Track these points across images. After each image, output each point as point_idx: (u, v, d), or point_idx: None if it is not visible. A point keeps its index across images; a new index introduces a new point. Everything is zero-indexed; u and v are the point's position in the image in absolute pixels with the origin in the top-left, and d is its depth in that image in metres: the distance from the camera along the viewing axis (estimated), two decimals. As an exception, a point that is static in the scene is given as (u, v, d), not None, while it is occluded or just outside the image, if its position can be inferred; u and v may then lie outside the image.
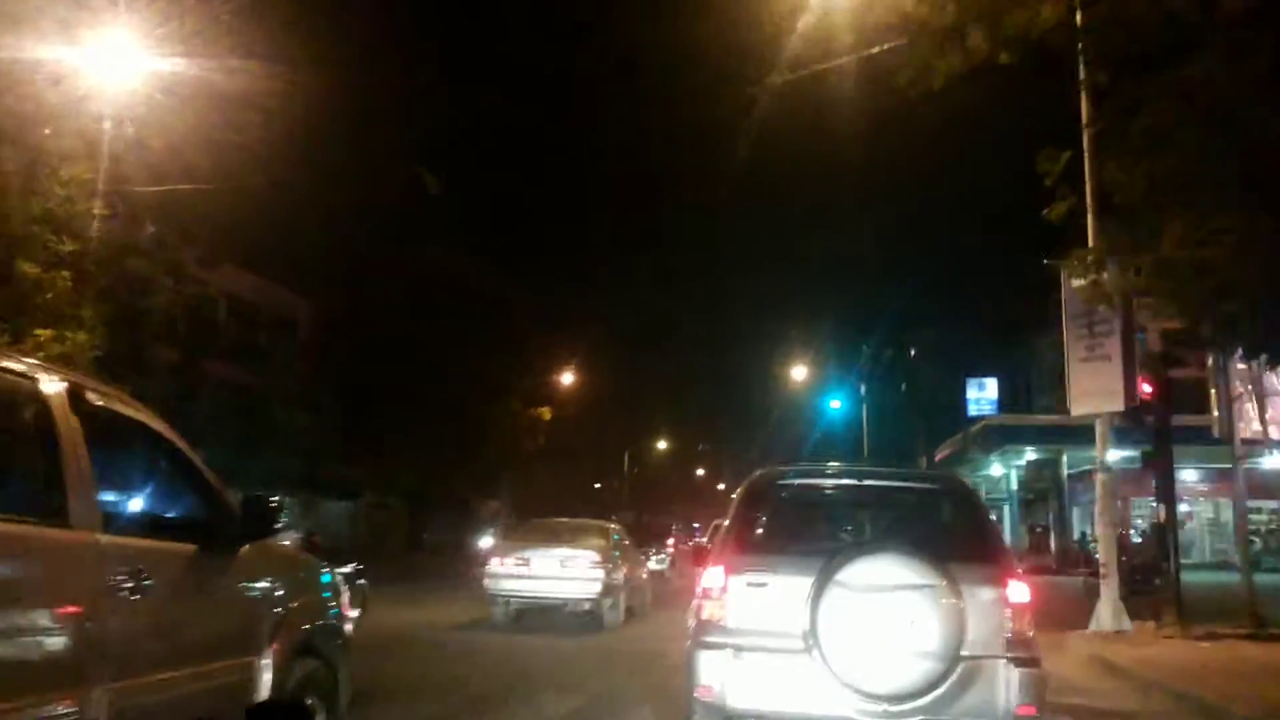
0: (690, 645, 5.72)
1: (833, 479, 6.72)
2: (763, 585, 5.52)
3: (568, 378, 45.15)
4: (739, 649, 5.43)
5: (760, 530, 6.04)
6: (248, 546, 4.45)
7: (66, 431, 3.42)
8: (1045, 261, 13.45)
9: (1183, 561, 15.00)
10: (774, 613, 5.39)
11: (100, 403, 3.76)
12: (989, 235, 48.57)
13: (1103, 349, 13.44)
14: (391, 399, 36.76)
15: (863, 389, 47.10)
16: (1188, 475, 31.91)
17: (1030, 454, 32.58)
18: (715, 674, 5.43)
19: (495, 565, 14.60)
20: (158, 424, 4.20)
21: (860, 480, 6.52)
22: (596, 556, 14.34)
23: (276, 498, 4.72)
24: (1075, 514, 33.65)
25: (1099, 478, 14.83)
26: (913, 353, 65.81)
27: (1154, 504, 18.32)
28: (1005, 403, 43.05)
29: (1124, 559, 20.48)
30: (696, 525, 49.32)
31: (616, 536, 16.33)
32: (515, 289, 45.76)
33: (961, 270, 62.20)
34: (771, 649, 5.38)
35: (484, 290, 41.11)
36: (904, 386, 62.18)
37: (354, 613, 7.95)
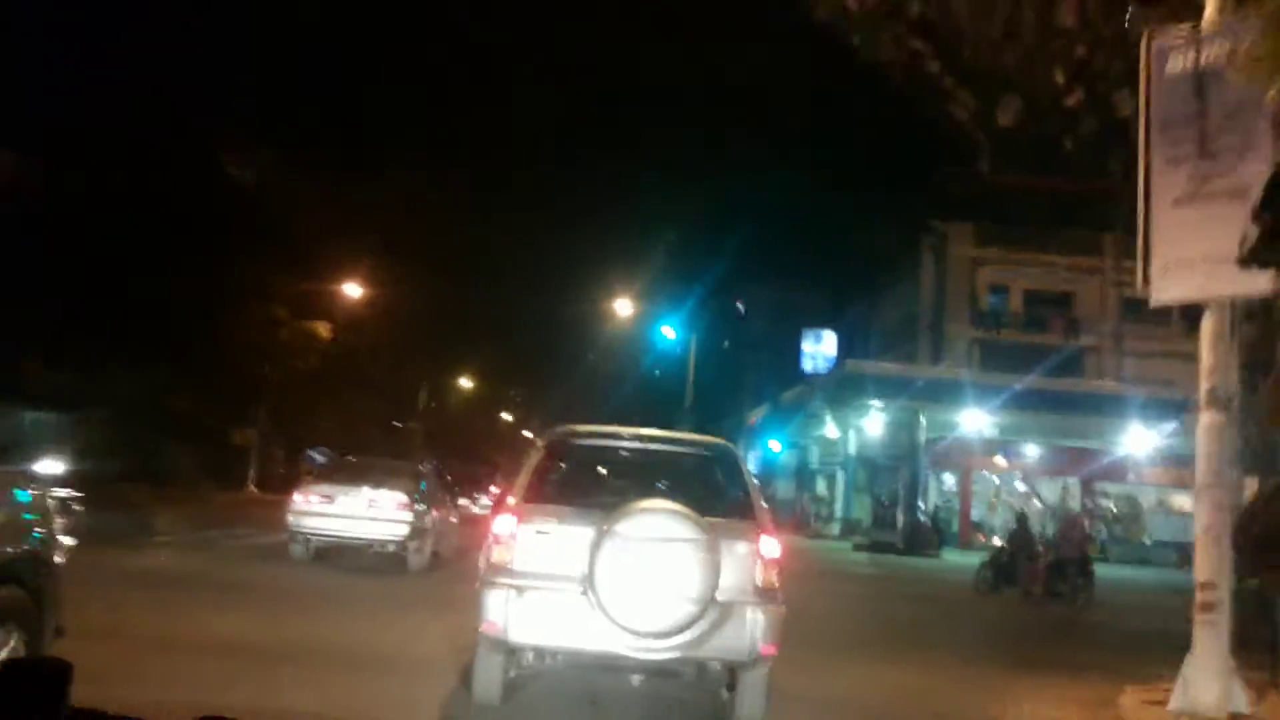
0: (479, 585, 6.00)
1: (616, 440, 7.08)
2: (547, 533, 5.93)
3: (353, 290, 37.74)
4: (522, 589, 5.80)
5: (549, 483, 6.43)
6: None
7: None
8: (1129, 13, 6.95)
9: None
10: (556, 558, 5.83)
11: None
12: (833, 184, 44.30)
13: (1228, 179, 6.16)
14: (110, 293, 29.02)
15: (691, 340, 42.11)
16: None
17: (877, 414, 28.07)
18: (499, 611, 5.79)
19: (299, 501, 14.04)
20: None
21: (641, 443, 6.99)
22: (404, 498, 13.87)
23: None
24: (933, 486, 29.73)
25: (1207, 419, 6.84)
26: (741, 308, 61.93)
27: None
28: (841, 359, 38.92)
29: (1036, 554, 16.49)
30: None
31: (425, 480, 15.66)
32: (297, 179, 38.35)
33: (803, 221, 57.88)
34: (552, 590, 5.78)
35: (243, 172, 33.72)
36: (725, 343, 58.21)
37: (68, 540, 5.92)
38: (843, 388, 28.66)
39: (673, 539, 5.52)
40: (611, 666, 6.06)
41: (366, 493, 13.79)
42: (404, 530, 13.65)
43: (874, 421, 28.66)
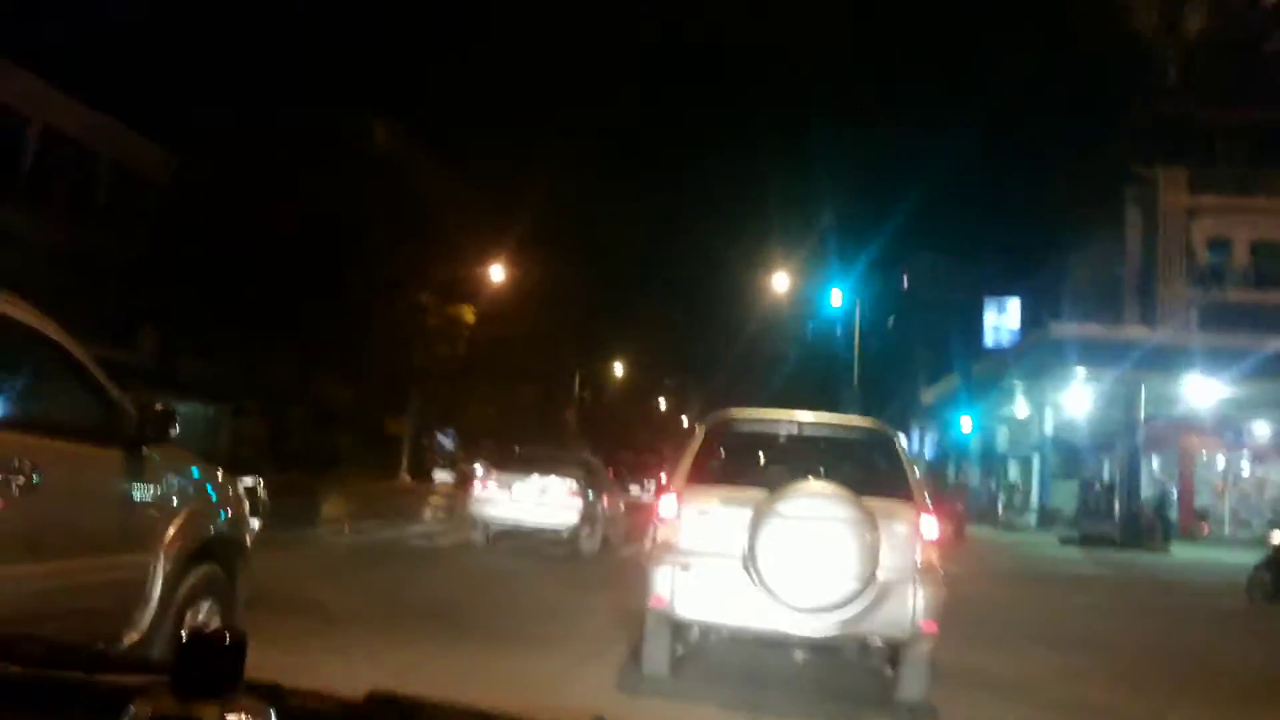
0: (647, 562, 6.27)
1: (773, 424, 7.32)
2: (708, 512, 6.11)
3: (499, 274, 36.22)
4: (687, 565, 5.96)
5: (710, 465, 6.58)
6: (144, 450, 4.43)
7: None
8: None
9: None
10: (718, 536, 5.97)
11: None
12: (1008, 137, 39.96)
13: None
14: (262, 281, 28.32)
15: (855, 314, 39.04)
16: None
17: (1083, 387, 24.20)
18: (665, 586, 5.96)
19: (478, 491, 14.91)
20: (52, 329, 4.10)
21: (798, 426, 7.15)
22: (575, 486, 14.41)
23: (173, 407, 4.79)
24: (1144, 469, 25.19)
25: None
26: (906, 281, 57.92)
27: None
28: (1028, 330, 34.96)
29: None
30: None
31: (593, 469, 16.26)
32: (442, 165, 37.30)
33: (975, 179, 53.25)
34: (714, 564, 5.93)
35: (389, 157, 32.67)
36: (890, 319, 54.40)
37: (255, 522, 6.75)
38: (1041, 357, 24.87)
39: (831, 518, 5.60)
40: (775, 643, 6.33)
41: (539, 481, 14.40)
42: (575, 517, 14.21)
43: (1077, 396, 24.87)
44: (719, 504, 6.08)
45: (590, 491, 14.67)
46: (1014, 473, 33.76)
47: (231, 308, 29.69)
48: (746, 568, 5.67)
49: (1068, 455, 28.64)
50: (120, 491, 4.33)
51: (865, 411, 35.24)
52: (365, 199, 30.36)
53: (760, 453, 7.17)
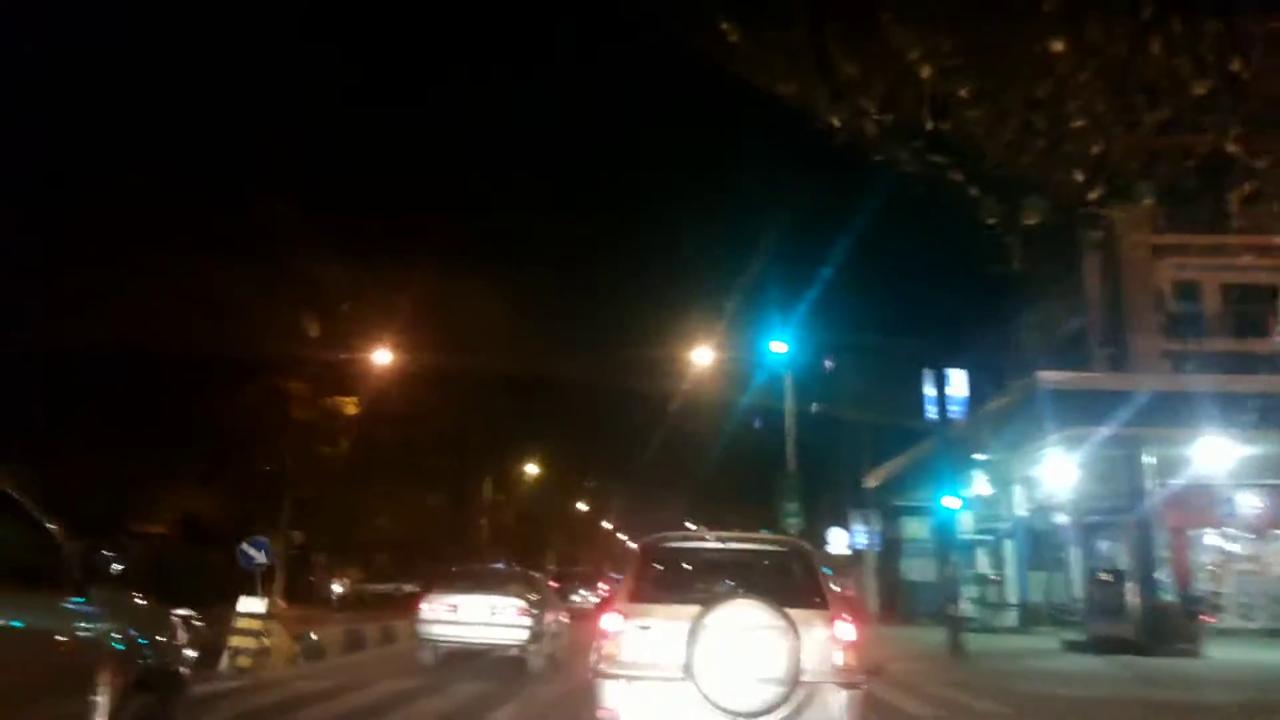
0: (593, 676, 6.95)
1: (702, 543, 8.26)
2: (649, 628, 6.73)
3: (384, 359, 31.33)
4: (631, 679, 6.66)
5: (647, 583, 7.24)
6: (85, 591, 4.68)
7: None
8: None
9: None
10: (658, 649, 6.59)
11: None
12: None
13: None
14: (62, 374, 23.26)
15: (786, 389, 35.20)
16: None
17: (1069, 449, 19.92)
18: (613, 698, 6.70)
19: (426, 610, 14.61)
20: None
21: (724, 544, 7.86)
22: (523, 604, 14.41)
23: (110, 550, 4.96)
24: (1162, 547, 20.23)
25: None
26: (829, 364, 54.53)
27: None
28: (975, 401, 31.35)
29: None
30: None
31: (538, 586, 16.13)
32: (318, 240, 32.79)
33: (897, 249, 50.40)
34: (657, 678, 6.57)
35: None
36: (813, 407, 50.76)
37: (191, 654, 6.32)
38: (1018, 418, 20.92)
39: (757, 627, 6.25)
40: None
41: (487, 600, 14.32)
42: (525, 635, 14.13)
43: (1060, 464, 20.82)
44: (658, 620, 6.67)
45: (536, 609, 14.71)
46: (982, 562, 29.72)
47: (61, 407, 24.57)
48: (685, 677, 6.28)
49: (1044, 540, 24.81)
50: (62, 632, 4.50)
51: (806, 498, 31.19)
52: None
53: (691, 571, 7.69)
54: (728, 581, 7.13)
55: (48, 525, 4.58)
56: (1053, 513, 23.49)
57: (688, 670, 6.24)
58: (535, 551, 71.38)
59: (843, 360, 52.35)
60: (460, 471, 57.22)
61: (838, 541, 42.00)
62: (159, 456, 28.35)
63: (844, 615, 6.70)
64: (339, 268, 32.93)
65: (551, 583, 19.26)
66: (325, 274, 32.23)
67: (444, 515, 61.07)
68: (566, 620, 17.23)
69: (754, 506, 56.97)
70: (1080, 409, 18.07)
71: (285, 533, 30.17)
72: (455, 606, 14.51)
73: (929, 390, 31.97)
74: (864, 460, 32.77)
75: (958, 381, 31.94)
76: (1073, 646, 17.87)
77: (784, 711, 6.15)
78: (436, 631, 14.47)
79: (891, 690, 12.82)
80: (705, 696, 6.19)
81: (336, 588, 44.94)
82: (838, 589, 7.11)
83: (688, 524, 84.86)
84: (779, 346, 19.24)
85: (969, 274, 34.46)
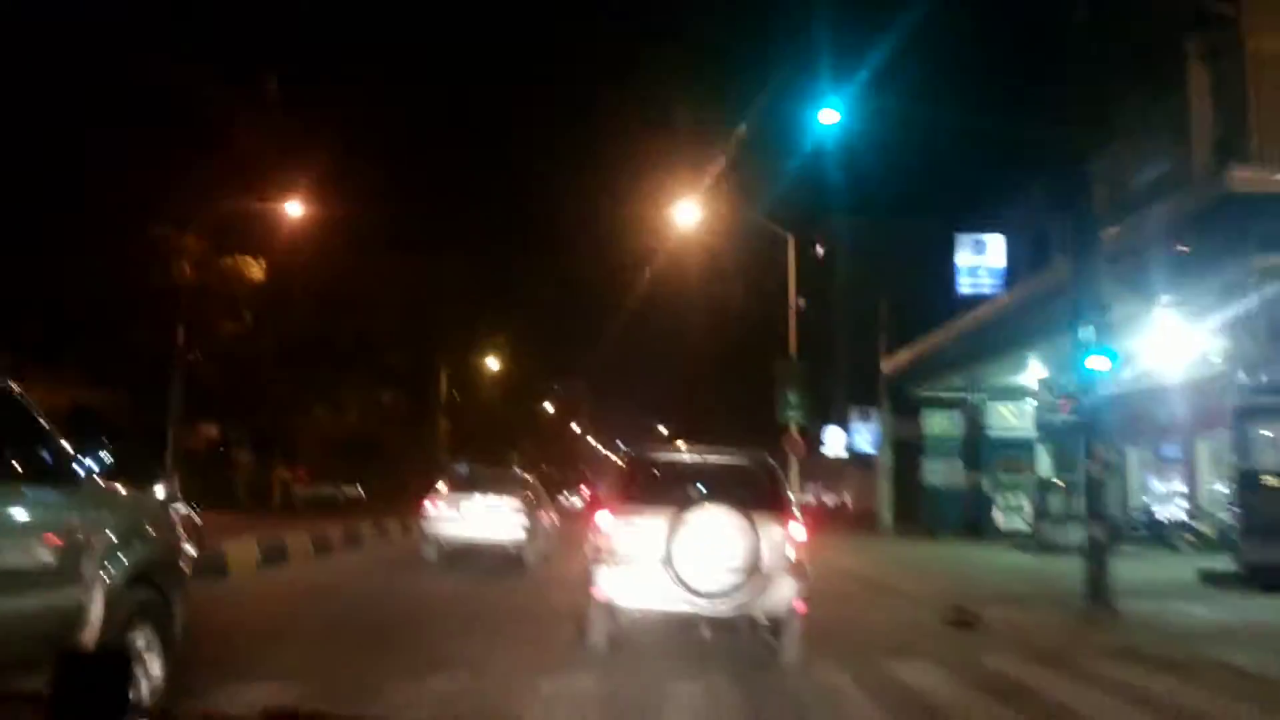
0: (589, 563, 8.01)
1: (679, 456, 9.51)
2: (636, 524, 7.74)
3: (294, 210, 24.95)
4: (621, 564, 7.71)
5: (633, 489, 8.34)
6: (78, 484, 4.60)
7: None
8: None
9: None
10: (642, 543, 7.56)
11: None
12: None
13: None
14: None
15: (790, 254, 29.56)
16: None
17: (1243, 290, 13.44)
18: (604, 581, 7.76)
19: (430, 510, 15.13)
20: None
21: (699, 457, 8.99)
22: (521, 504, 15.06)
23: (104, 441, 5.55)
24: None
25: None
26: (820, 250, 49.04)
27: None
28: (1018, 270, 25.67)
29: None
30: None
31: (532, 487, 16.63)
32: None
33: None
34: (640, 564, 7.57)
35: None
36: (802, 302, 45.43)
37: (191, 549, 6.85)
38: (1146, 253, 14.70)
39: (724, 526, 7.30)
40: (687, 623, 7.82)
41: (487, 500, 14.98)
42: (522, 533, 14.78)
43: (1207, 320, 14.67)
44: (642, 518, 7.69)
45: (532, 509, 15.27)
46: (1044, 465, 24.30)
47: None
48: (664, 566, 7.32)
49: (1143, 431, 19.50)
50: (55, 524, 4.44)
51: (812, 390, 25.76)
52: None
53: (671, 479, 8.69)
54: (701, 488, 8.25)
55: (42, 419, 4.51)
56: (1169, 390, 17.88)
57: (666, 560, 7.30)
58: (500, 454, 66.30)
59: (853, 232, 46.63)
60: (418, 366, 51.61)
61: (834, 442, 36.71)
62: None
63: (796, 518, 7.78)
64: (257, 113, 26.73)
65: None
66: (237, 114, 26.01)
67: (401, 413, 55.72)
68: (557, 520, 18.10)
69: (742, 409, 51.82)
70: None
71: (179, 423, 24.24)
72: (458, 506, 15.08)
73: (963, 258, 26.30)
74: (879, 346, 27.12)
75: (994, 249, 26.25)
76: (1216, 580, 12.48)
77: (745, 595, 7.26)
78: (440, 530, 15.03)
79: (1048, 676, 7.48)
80: (680, 580, 7.29)
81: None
82: (792, 497, 8.38)
83: (660, 427, 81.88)
84: (829, 116, 13.09)
85: (1012, 113, 28.42)
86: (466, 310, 52.64)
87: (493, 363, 56.38)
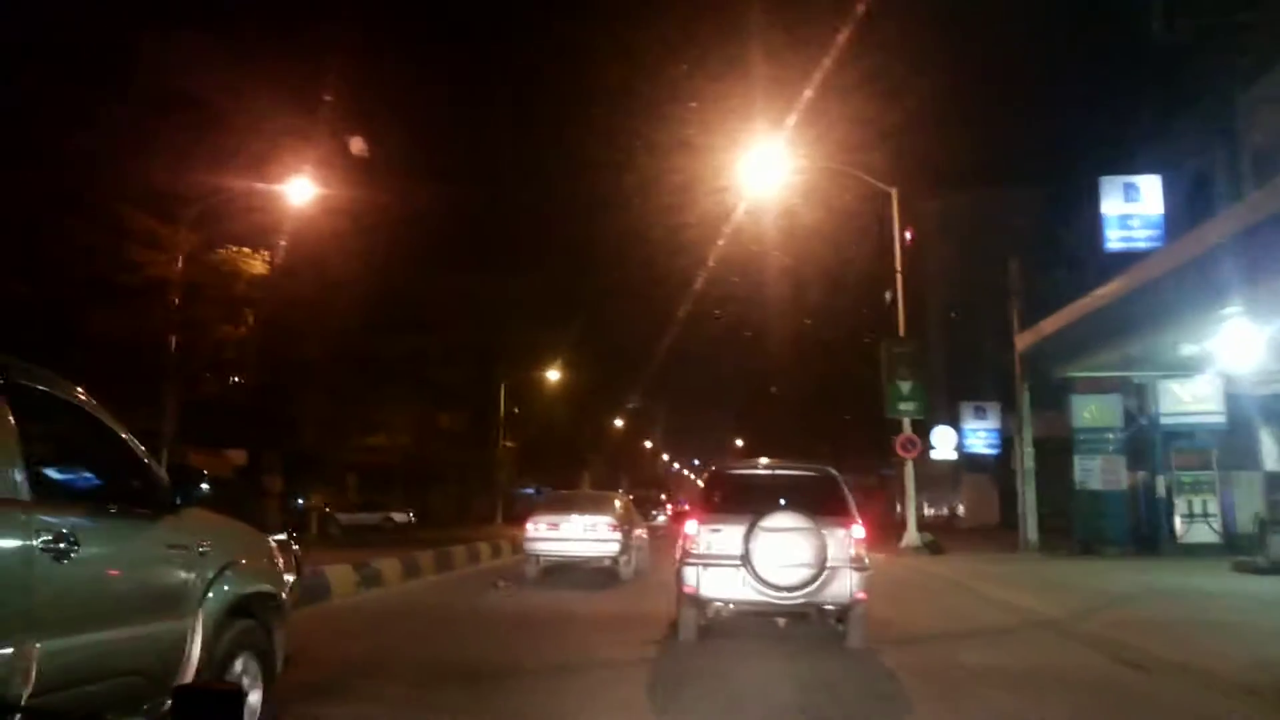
0: (678, 564, 8.92)
1: (753, 469, 10.44)
2: (718, 529, 8.68)
3: (301, 192, 20.82)
4: (706, 563, 8.63)
5: (715, 499, 9.35)
6: (177, 513, 4.47)
7: None
8: None
9: None
10: (724, 544, 8.54)
11: (26, 381, 3.80)
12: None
13: None
14: None
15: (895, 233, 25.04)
16: None
17: None
18: (692, 578, 8.68)
19: (530, 529, 15.82)
20: (88, 402, 4.19)
21: (771, 470, 9.98)
22: (614, 521, 15.74)
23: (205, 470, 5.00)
24: None
25: None
26: (906, 236, 43.79)
27: None
28: (1177, 217, 20.35)
29: None
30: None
31: (627, 506, 17.51)
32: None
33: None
34: (723, 564, 8.51)
35: None
36: (889, 295, 40.48)
37: (290, 577, 6.07)
38: None
39: (794, 529, 8.26)
40: (763, 613, 8.95)
41: (584, 519, 15.70)
42: (616, 548, 15.50)
43: None
44: (725, 525, 8.62)
45: (625, 525, 15.93)
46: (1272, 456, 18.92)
47: None
48: (743, 564, 8.31)
49: None
50: (156, 556, 4.39)
51: (939, 378, 20.89)
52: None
53: (747, 490, 9.46)
54: (776, 498, 8.75)
55: (134, 443, 4.35)
56: None
57: (744, 559, 8.31)
58: (570, 474, 62.07)
59: (943, 211, 41.69)
60: (478, 384, 47.69)
61: (943, 444, 31.43)
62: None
63: (857, 522, 8.61)
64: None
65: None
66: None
67: (461, 434, 51.85)
68: (647, 536, 18.24)
69: (835, 415, 46.70)
70: None
71: (173, 445, 20.25)
72: (556, 524, 15.75)
73: (1112, 206, 21.03)
74: (1010, 317, 21.89)
75: (1150, 192, 20.94)
76: None
77: (813, 588, 8.19)
78: (540, 547, 15.70)
79: None
80: (757, 576, 8.28)
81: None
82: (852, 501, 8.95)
83: (738, 441, 77.82)
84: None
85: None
86: (529, 324, 48.59)
87: (555, 376, 51.80)
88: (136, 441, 4.38)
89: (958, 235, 42.81)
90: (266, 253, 21.81)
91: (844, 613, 8.48)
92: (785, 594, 8.23)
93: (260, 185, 20.80)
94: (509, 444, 52.45)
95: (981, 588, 14.10)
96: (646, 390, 72.56)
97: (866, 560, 8.45)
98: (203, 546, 4.61)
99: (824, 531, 8.19)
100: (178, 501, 4.45)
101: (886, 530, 33.89)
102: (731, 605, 8.77)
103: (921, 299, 44.37)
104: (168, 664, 4.23)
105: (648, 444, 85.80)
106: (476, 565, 18.40)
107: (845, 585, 8.28)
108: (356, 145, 24.36)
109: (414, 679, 7.12)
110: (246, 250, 21.35)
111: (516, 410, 50.27)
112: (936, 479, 35.85)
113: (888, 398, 22.28)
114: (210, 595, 4.54)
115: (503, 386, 48.46)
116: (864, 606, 8.43)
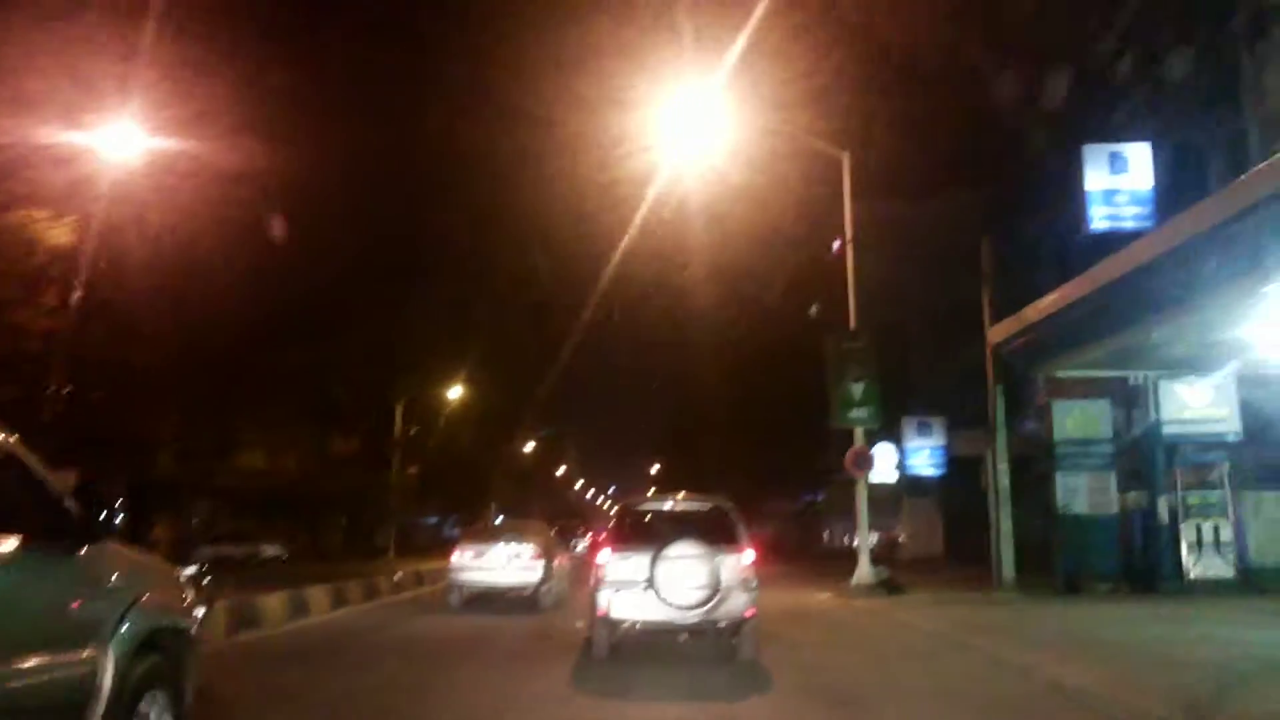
0: (592, 589, 10.00)
1: (659, 504, 11.17)
2: (627, 558, 9.66)
3: (128, 143, 16.27)
4: (616, 588, 9.63)
5: (623, 531, 10.30)
6: (86, 547, 4.43)
7: None
8: None
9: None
10: (632, 570, 9.53)
11: None
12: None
13: None
14: None
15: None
16: None
17: None
18: (605, 601, 9.64)
19: (456, 557, 16.29)
20: (1, 438, 4.12)
21: (674, 505, 10.95)
22: (537, 549, 16.18)
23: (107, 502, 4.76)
24: None
25: None
26: (834, 247, 41.18)
27: None
28: (1168, 193, 17.33)
29: None
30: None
31: (548, 535, 17.80)
32: None
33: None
34: (631, 587, 9.52)
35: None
36: (815, 308, 37.67)
37: (200, 610, 6.04)
38: None
39: (692, 556, 9.32)
40: (667, 630, 9.83)
41: (507, 549, 16.11)
42: (538, 576, 15.96)
43: None
44: (633, 554, 9.60)
45: (546, 555, 16.29)
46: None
47: None
48: (648, 588, 9.34)
49: None
50: (68, 591, 4.31)
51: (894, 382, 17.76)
52: None
53: (651, 522, 10.51)
54: (677, 529, 9.86)
55: (46, 478, 4.29)
56: None
57: (650, 582, 9.34)
58: (475, 503, 57.34)
59: (884, 211, 38.77)
60: (377, 401, 42.98)
61: (882, 464, 28.08)
62: None
63: (746, 548, 9.76)
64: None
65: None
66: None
67: (354, 458, 47.08)
68: (568, 564, 19.17)
69: (760, 442, 43.39)
70: None
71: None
72: (480, 553, 16.05)
73: (1096, 180, 17.91)
74: (985, 308, 18.49)
75: (1139, 163, 17.88)
76: None
77: (709, 606, 9.28)
78: (463, 577, 16.01)
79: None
80: (661, 598, 9.33)
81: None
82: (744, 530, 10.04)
83: (654, 467, 76.86)
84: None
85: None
86: (431, 336, 43.86)
87: (459, 394, 47.09)
88: (45, 473, 4.29)
89: (890, 244, 39.93)
90: (73, 218, 17.31)
91: (737, 628, 9.65)
92: (686, 612, 9.35)
93: (74, 135, 16.41)
94: (411, 470, 47.86)
95: (979, 643, 10.60)
96: (559, 413, 68.32)
97: (755, 583, 9.62)
98: (114, 580, 4.62)
99: (718, 558, 9.35)
100: (89, 536, 4.42)
101: (816, 563, 30.98)
102: (639, 624, 9.75)
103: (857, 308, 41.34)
104: (80, 697, 4.21)
105: (560, 469, 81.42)
106: (343, 608, 16.09)
107: (738, 603, 9.44)
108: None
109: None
110: (44, 213, 16.83)
111: (414, 432, 45.62)
112: (875, 503, 32.65)
113: (835, 404, 18.72)
114: (121, 629, 4.47)
115: (399, 405, 43.80)
116: (754, 622, 9.61)
